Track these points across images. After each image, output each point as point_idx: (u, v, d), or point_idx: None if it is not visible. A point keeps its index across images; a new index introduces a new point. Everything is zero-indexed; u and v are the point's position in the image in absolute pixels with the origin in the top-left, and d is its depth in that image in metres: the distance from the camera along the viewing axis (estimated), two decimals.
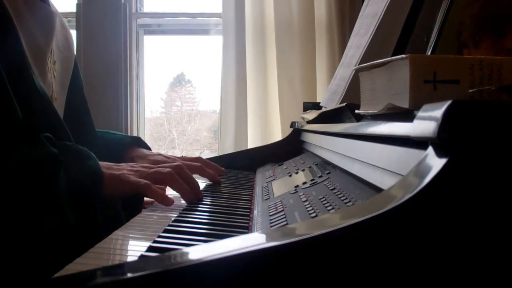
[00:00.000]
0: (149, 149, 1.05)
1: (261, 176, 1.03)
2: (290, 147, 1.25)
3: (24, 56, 0.73)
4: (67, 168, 0.68)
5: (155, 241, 0.51)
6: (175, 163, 0.82)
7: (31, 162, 0.66)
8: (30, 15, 0.78)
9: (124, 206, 0.81)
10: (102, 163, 0.75)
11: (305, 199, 0.62)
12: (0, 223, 0.60)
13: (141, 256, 0.47)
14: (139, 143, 1.04)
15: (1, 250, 0.59)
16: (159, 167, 0.79)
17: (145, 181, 0.74)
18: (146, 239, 0.53)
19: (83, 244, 0.51)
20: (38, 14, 0.80)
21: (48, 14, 0.83)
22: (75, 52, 0.98)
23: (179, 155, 1.04)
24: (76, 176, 0.69)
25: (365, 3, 1.10)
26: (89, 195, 0.70)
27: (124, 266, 0.34)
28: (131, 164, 0.82)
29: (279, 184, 0.83)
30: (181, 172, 0.79)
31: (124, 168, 0.77)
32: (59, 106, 0.85)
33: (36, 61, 0.77)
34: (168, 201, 0.73)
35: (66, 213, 0.65)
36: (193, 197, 0.77)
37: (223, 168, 1.02)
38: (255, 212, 0.67)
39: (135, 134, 2.14)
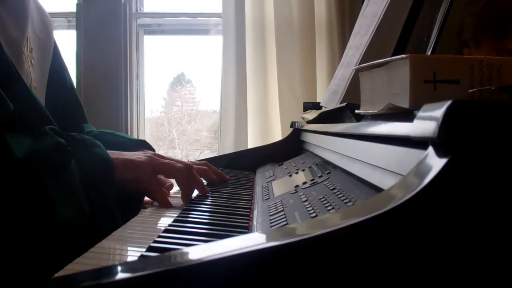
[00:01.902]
0: (154, 150, 1.03)
1: (261, 176, 1.02)
2: (290, 147, 1.25)
3: (1, 47, 0.71)
4: (76, 158, 0.67)
5: (155, 241, 0.51)
6: (186, 162, 0.82)
7: (40, 152, 0.64)
8: (0, 4, 0.75)
9: (122, 205, 0.80)
10: (111, 151, 0.75)
11: (305, 199, 0.62)
12: (9, 218, 0.58)
13: (141, 256, 0.46)
14: (144, 145, 1.02)
15: (7, 246, 0.57)
16: (172, 161, 0.79)
17: (157, 183, 0.75)
18: (146, 239, 0.53)
19: (86, 240, 0.51)
20: (9, 2, 0.77)
21: (20, 1, 0.80)
22: (54, 37, 0.93)
23: (179, 155, 1.03)
24: (86, 165, 0.68)
25: (365, 3, 1.10)
26: (102, 182, 0.69)
27: (124, 266, 0.34)
28: (142, 151, 0.81)
29: (279, 184, 0.83)
30: (190, 172, 0.79)
31: (136, 154, 0.77)
32: (40, 95, 0.82)
33: (11, 52, 0.75)
34: (168, 206, 0.75)
35: (81, 204, 0.64)
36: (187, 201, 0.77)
37: (228, 177, 0.99)
38: (255, 212, 0.67)
39: (135, 134, 2.14)
